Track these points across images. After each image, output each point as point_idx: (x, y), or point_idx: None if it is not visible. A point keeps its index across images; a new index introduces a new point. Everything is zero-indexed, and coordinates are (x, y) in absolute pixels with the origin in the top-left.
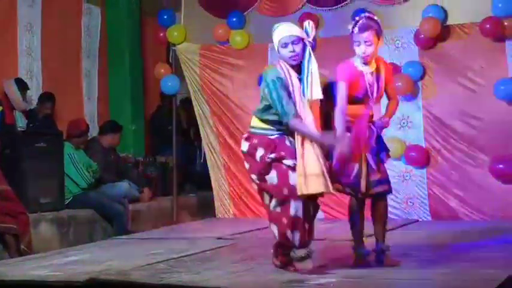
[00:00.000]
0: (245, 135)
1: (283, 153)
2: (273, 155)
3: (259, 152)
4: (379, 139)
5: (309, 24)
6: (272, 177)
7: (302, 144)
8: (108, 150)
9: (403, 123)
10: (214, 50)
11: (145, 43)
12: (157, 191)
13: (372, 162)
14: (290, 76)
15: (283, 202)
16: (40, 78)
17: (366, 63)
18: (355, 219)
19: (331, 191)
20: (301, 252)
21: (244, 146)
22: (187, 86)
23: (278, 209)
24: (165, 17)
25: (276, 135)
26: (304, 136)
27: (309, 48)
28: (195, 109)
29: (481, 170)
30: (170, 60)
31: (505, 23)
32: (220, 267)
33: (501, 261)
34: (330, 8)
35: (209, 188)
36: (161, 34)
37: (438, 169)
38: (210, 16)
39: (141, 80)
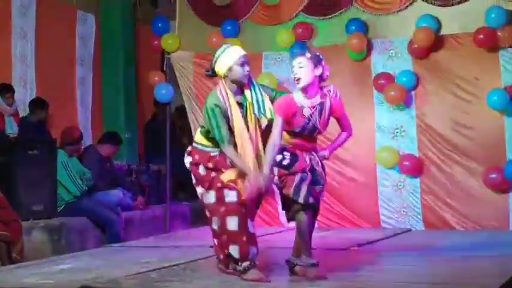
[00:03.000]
0: (188, 149)
1: (223, 170)
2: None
3: (201, 169)
4: (320, 169)
5: None
6: (210, 196)
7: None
8: (104, 159)
9: (397, 132)
10: (208, 58)
11: (139, 51)
12: (151, 199)
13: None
14: (229, 102)
15: (221, 220)
16: (34, 86)
17: (303, 91)
18: (299, 225)
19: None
20: (244, 265)
21: (187, 160)
22: (181, 94)
23: (217, 227)
24: (159, 25)
25: (217, 153)
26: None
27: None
28: (189, 117)
29: (474, 180)
30: (164, 68)
31: (498, 34)
32: (213, 277)
33: (494, 270)
34: (324, 17)
35: None
36: (155, 42)
37: (431, 179)
38: (205, 24)
39: (134, 88)
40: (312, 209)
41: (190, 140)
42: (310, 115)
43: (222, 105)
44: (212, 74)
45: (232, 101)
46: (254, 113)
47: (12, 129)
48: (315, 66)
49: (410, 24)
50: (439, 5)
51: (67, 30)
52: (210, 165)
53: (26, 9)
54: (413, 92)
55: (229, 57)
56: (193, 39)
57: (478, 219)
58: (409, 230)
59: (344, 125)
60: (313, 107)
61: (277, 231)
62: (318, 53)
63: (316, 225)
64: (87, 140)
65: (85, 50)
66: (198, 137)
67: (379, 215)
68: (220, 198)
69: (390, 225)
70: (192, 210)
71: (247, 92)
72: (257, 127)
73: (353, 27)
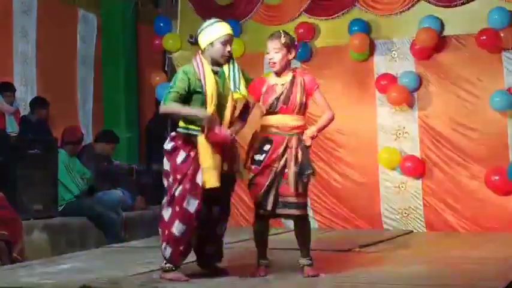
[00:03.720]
0: (172, 134)
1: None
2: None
3: (181, 156)
4: (303, 154)
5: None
6: (177, 189)
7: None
8: (102, 158)
9: (399, 133)
10: None
11: (141, 51)
12: (151, 199)
13: (291, 180)
14: (203, 70)
15: (171, 217)
16: (35, 85)
17: (276, 74)
18: (260, 231)
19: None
20: (168, 265)
21: (168, 145)
22: None
23: (167, 218)
24: (161, 24)
25: (199, 134)
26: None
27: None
28: None
29: (476, 182)
30: (166, 68)
31: (501, 35)
32: (212, 277)
33: (496, 273)
34: (327, 17)
35: None
36: (157, 42)
37: (434, 180)
38: None
39: (136, 88)
40: (268, 217)
41: None
42: (283, 91)
43: (193, 72)
44: (194, 42)
45: (208, 70)
46: (229, 88)
47: (12, 128)
48: (289, 51)
49: (413, 25)
50: (442, 6)
51: (68, 30)
52: (192, 154)
53: (27, 8)
54: (415, 93)
55: (214, 32)
56: None
57: (480, 221)
58: (411, 232)
59: (321, 106)
60: (283, 84)
61: (276, 233)
62: (292, 36)
63: (316, 225)
64: (87, 139)
65: (86, 50)
66: (180, 122)
67: (381, 216)
68: (182, 199)
69: (392, 226)
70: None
71: (225, 67)
72: (231, 99)
73: (356, 28)
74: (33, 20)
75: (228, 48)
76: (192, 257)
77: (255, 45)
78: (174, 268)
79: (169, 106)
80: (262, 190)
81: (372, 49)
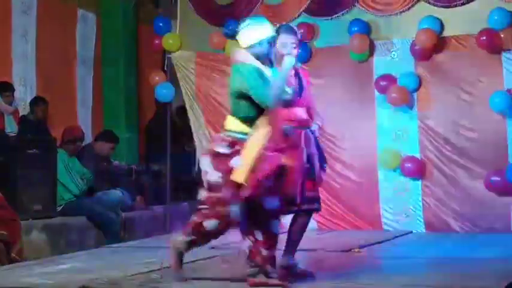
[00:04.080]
0: (229, 139)
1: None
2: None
3: (235, 161)
4: (319, 147)
5: None
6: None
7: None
8: (102, 158)
9: (399, 134)
10: (209, 58)
11: (140, 50)
12: (150, 199)
13: (315, 175)
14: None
15: (210, 213)
16: (34, 85)
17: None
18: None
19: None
20: (187, 238)
21: (226, 149)
22: (182, 94)
23: (203, 212)
24: (161, 24)
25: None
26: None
27: None
28: (190, 117)
29: (476, 182)
30: (165, 68)
31: (501, 35)
32: (213, 277)
33: (496, 273)
34: (327, 17)
35: None
36: (156, 41)
37: (433, 181)
38: (206, 24)
39: (135, 88)
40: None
41: (190, 139)
42: (294, 82)
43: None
44: (233, 35)
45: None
46: None
47: (12, 128)
48: (299, 46)
49: (413, 26)
50: (441, 6)
51: (68, 30)
52: None
53: (27, 7)
54: (415, 94)
55: (265, 30)
56: (194, 38)
57: (479, 221)
58: (410, 232)
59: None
60: (291, 76)
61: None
62: (297, 30)
63: (316, 225)
64: (87, 139)
65: (86, 50)
66: (236, 125)
67: (381, 217)
68: (226, 201)
69: (391, 227)
70: (192, 210)
71: (266, 69)
72: None
73: (355, 28)
74: (32, 19)
75: (272, 49)
76: (192, 257)
77: None
78: (180, 251)
79: (276, 82)
80: (296, 187)
81: (371, 49)
